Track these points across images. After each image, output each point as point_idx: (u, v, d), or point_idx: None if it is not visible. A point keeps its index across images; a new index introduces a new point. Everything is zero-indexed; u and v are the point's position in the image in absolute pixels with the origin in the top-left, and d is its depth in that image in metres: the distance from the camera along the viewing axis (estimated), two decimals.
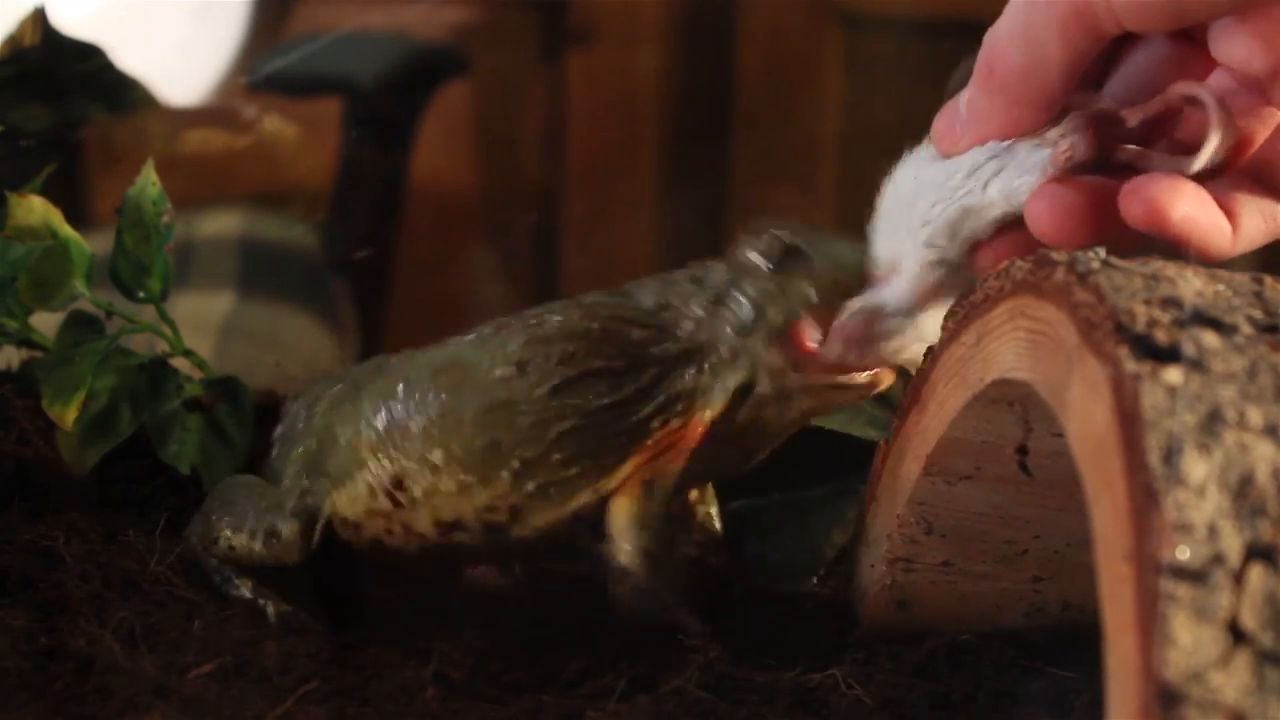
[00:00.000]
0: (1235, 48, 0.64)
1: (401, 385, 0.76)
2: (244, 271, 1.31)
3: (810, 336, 0.73)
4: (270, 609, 0.76)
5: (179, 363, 0.87)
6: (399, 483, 0.75)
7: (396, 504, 0.75)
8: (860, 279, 0.72)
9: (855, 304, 0.71)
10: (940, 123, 0.70)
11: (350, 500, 0.76)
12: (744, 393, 0.74)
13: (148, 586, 0.77)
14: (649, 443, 0.74)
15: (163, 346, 0.87)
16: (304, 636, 0.73)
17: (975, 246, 0.69)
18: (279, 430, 0.81)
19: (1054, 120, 0.67)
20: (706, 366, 0.74)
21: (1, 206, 0.86)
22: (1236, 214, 0.65)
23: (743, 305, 0.74)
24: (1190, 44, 0.68)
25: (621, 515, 0.74)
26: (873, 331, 0.71)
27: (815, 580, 0.82)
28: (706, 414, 0.74)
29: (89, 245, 0.86)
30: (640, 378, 0.74)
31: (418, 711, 0.69)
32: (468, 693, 0.71)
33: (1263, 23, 0.63)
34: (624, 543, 0.74)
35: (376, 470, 0.75)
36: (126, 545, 0.80)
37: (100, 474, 0.85)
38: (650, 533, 0.74)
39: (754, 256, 0.75)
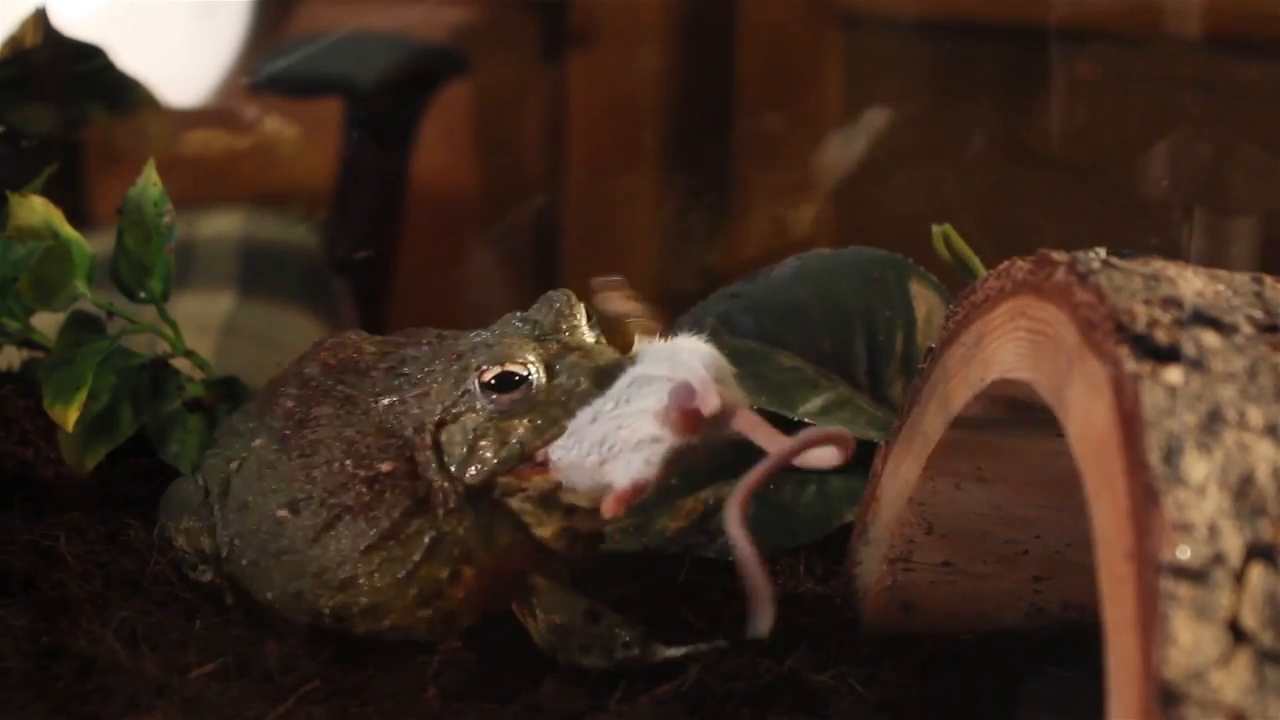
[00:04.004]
0: None
1: (237, 532, 0.75)
2: (245, 272, 1.31)
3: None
4: (228, 595, 0.76)
5: (180, 363, 0.88)
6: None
7: None
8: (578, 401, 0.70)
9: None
10: None
11: None
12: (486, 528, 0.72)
13: (149, 586, 0.77)
14: (432, 592, 0.72)
15: (164, 347, 0.87)
16: (305, 637, 0.73)
17: None
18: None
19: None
20: (441, 514, 0.72)
21: (3, 207, 0.86)
22: None
23: (457, 444, 0.72)
24: None
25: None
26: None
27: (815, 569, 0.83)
28: (467, 568, 0.72)
29: (90, 246, 0.86)
30: (389, 517, 0.72)
31: (418, 711, 0.69)
32: (468, 693, 0.71)
33: None
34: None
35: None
36: (127, 545, 0.80)
37: (101, 474, 0.86)
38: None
39: (474, 388, 0.72)
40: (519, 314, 0.75)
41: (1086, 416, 0.55)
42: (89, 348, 0.84)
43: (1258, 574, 0.50)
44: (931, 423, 0.70)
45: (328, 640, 0.73)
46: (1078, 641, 0.71)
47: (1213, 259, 1.08)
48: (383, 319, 1.38)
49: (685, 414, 0.66)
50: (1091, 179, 1.22)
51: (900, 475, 0.73)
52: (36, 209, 0.85)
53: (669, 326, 0.93)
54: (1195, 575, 0.50)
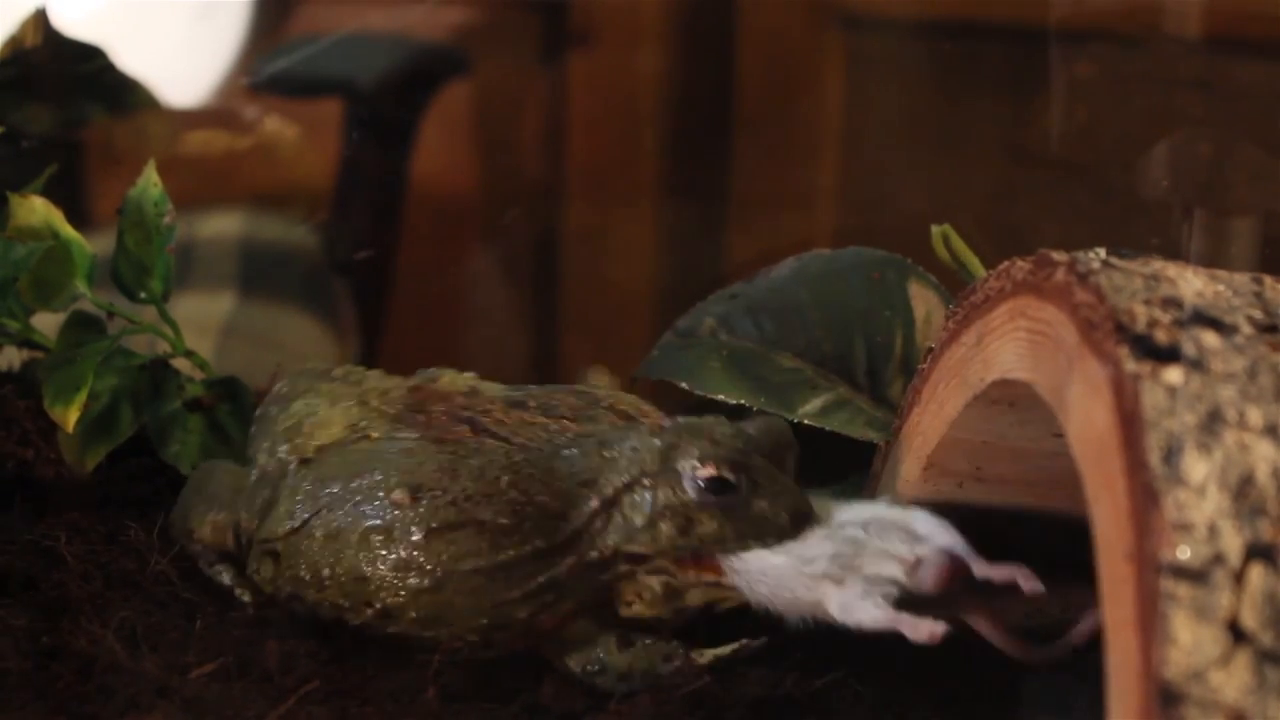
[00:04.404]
0: None
1: (321, 504, 0.73)
2: (245, 272, 1.31)
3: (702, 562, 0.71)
4: (246, 597, 0.76)
5: (180, 363, 0.88)
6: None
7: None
8: (793, 516, 0.70)
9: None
10: None
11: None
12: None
13: (149, 586, 0.77)
14: (522, 619, 0.71)
15: (164, 347, 0.87)
16: (305, 637, 0.73)
17: None
18: (260, 410, 0.81)
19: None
20: (569, 564, 0.71)
21: (3, 207, 0.86)
22: None
23: (638, 513, 0.71)
24: None
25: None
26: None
27: None
28: (549, 616, 0.71)
29: (90, 246, 0.86)
30: (518, 550, 0.71)
31: (418, 711, 0.69)
32: (468, 693, 0.71)
33: None
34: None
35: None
36: (128, 545, 0.80)
37: (101, 474, 0.86)
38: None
39: (685, 473, 0.71)
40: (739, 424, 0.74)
41: (1086, 417, 0.55)
42: (89, 348, 0.84)
43: (1257, 574, 0.50)
44: (931, 423, 0.70)
45: (328, 640, 0.73)
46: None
47: (1213, 259, 1.08)
48: (383, 320, 1.38)
49: (944, 573, 0.66)
50: (1091, 179, 1.22)
51: (900, 475, 0.73)
52: (37, 209, 0.85)
53: (667, 328, 0.93)
54: (1195, 575, 0.50)
